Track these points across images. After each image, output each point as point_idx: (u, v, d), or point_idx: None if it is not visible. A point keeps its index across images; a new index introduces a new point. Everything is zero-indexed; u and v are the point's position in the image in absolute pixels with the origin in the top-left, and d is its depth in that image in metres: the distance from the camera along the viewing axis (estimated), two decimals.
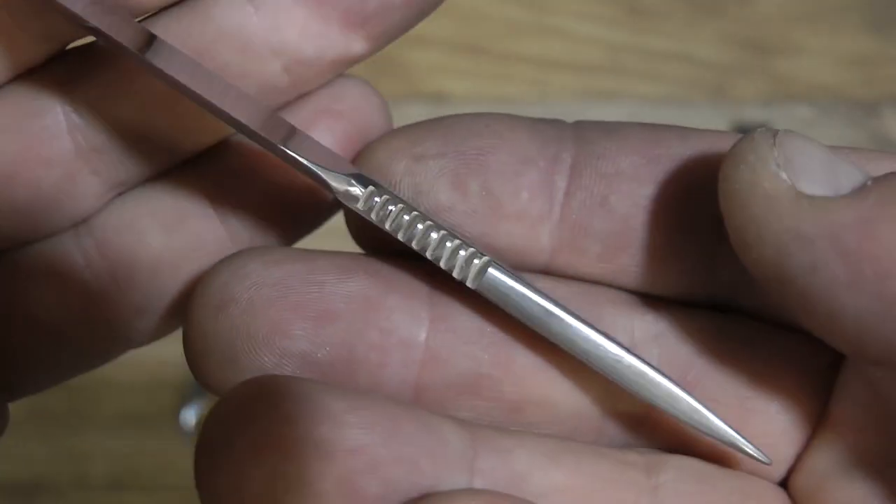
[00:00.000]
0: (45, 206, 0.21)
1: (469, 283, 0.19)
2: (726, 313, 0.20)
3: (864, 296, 0.16)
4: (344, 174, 0.20)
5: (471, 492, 0.18)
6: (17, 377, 0.22)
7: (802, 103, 0.49)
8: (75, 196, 0.21)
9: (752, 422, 0.20)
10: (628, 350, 0.19)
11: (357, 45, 0.20)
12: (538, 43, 0.50)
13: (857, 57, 0.50)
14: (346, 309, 0.19)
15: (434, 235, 0.19)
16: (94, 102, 0.20)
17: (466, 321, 0.20)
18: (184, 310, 0.20)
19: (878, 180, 0.17)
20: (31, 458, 0.43)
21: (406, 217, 0.19)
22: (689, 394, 0.19)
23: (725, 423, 0.19)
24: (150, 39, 0.19)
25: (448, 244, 0.19)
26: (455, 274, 0.19)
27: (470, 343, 0.20)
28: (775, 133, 0.17)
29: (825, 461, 0.19)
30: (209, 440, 0.18)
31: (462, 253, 0.19)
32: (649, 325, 0.20)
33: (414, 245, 0.19)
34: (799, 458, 0.20)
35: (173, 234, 0.21)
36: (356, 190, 0.20)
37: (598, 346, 0.19)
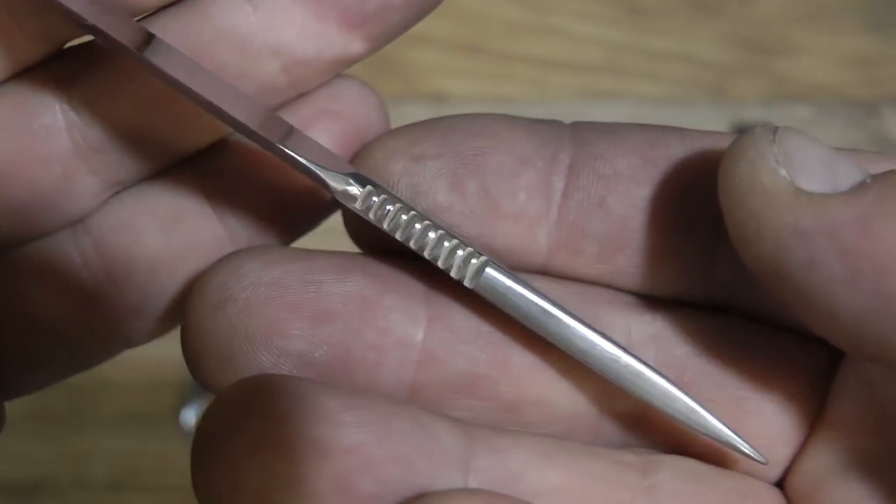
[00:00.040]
0: (42, 204, 0.21)
1: (467, 283, 0.19)
2: (723, 314, 0.20)
3: (861, 293, 0.16)
4: (342, 174, 0.20)
5: (466, 491, 0.18)
6: (15, 376, 0.22)
7: (802, 103, 0.49)
8: (73, 195, 0.21)
9: (748, 422, 0.20)
10: (625, 350, 0.19)
11: (356, 45, 0.20)
12: (538, 43, 0.50)
13: (857, 57, 0.50)
14: (344, 309, 0.19)
15: (432, 235, 0.19)
16: (92, 101, 0.20)
17: (463, 321, 0.20)
18: (182, 309, 0.20)
19: (877, 178, 0.17)
20: (31, 458, 0.43)
21: (404, 216, 0.19)
22: (686, 393, 0.19)
23: (722, 422, 0.19)
24: (149, 38, 0.19)
25: (446, 244, 0.19)
26: (453, 273, 0.19)
27: (467, 343, 0.20)
28: (775, 129, 0.17)
29: (821, 462, 0.19)
30: (205, 438, 0.18)
31: (460, 252, 0.19)
32: (646, 326, 0.20)
33: (412, 244, 0.19)
34: (795, 459, 0.20)
35: (171, 233, 0.21)
36: (354, 189, 0.20)
37: (595, 345, 0.19)
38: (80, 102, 0.20)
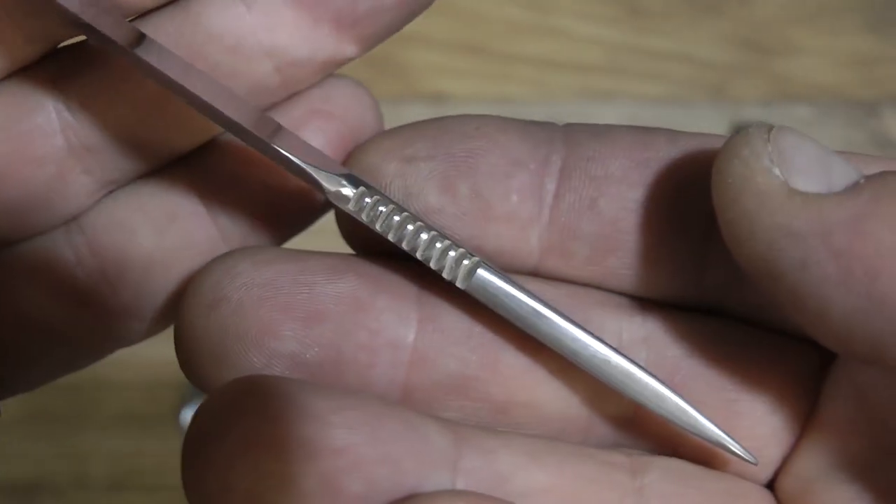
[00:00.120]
0: (36, 203, 0.21)
1: (459, 284, 0.19)
2: (714, 316, 0.20)
3: (853, 294, 0.16)
4: (335, 174, 0.20)
5: (453, 493, 0.18)
6: (9, 375, 0.22)
7: (802, 103, 0.49)
8: (67, 194, 0.21)
9: (739, 424, 0.20)
10: (617, 350, 0.19)
11: (348, 46, 0.20)
12: (538, 43, 0.50)
13: (857, 57, 0.50)
14: (335, 310, 0.19)
15: (424, 236, 0.19)
16: (86, 101, 0.20)
17: (455, 322, 0.20)
18: (176, 308, 0.20)
19: (871, 178, 0.17)
20: (31, 458, 0.43)
21: (396, 218, 0.19)
22: (678, 394, 0.19)
23: (713, 423, 0.19)
24: (142, 39, 0.19)
25: (438, 245, 0.19)
26: (445, 274, 0.19)
27: (458, 344, 0.20)
28: (770, 128, 0.17)
29: (812, 464, 0.19)
30: (196, 438, 0.18)
31: (452, 253, 0.19)
32: (637, 328, 0.20)
33: (404, 245, 0.19)
34: (786, 461, 0.20)
35: (164, 232, 0.21)
36: (347, 190, 0.20)
37: (586, 346, 0.19)
38: (75, 102, 0.20)
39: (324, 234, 0.22)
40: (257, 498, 0.17)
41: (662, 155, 0.20)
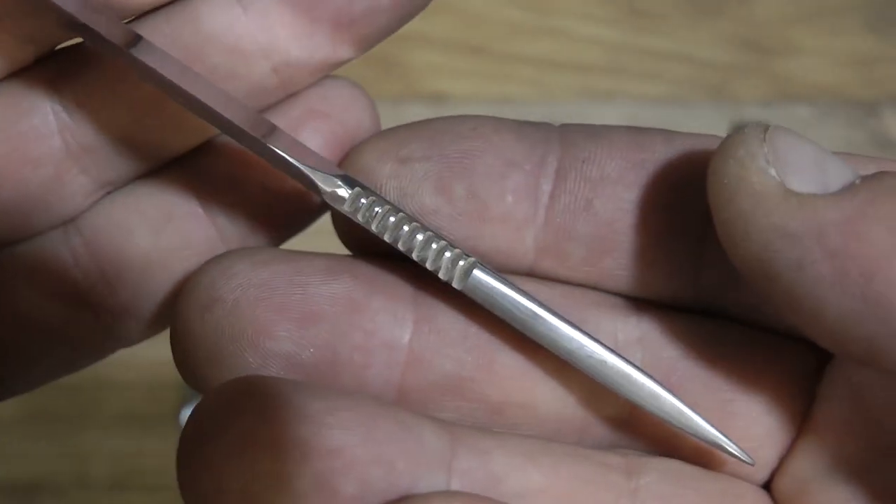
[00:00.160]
0: (33, 205, 0.21)
1: (455, 284, 0.19)
2: (710, 317, 0.20)
3: (848, 295, 0.16)
4: (331, 176, 0.20)
5: (447, 494, 0.18)
6: (7, 375, 0.22)
7: (802, 103, 0.49)
8: (64, 195, 0.21)
9: (735, 425, 0.20)
10: (613, 351, 0.19)
11: (344, 47, 0.20)
12: (538, 43, 0.50)
13: (857, 57, 0.50)
14: (331, 310, 0.19)
15: (420, 237, 0.19)
16: (83, 102, 0.20)
17: (450, 323, 0.20)
18: (172, 309, 0.20)
19: (866, 179, 0.17)
20: (31, 458, 0.43)
21: (392, 219, 0.19)
22: (673, 394, 0.19)
23: (709, 423, 0.19)
24: (138, 40, 0.19)
25: (434, 245, 0.19)
26: (441, 275, 0.19)
27: (454, 345, 0.20)
28: (766, 128, 0.17)
29: (808, 464, 0.19)
30: (192, 438, 0.18)
31: (448, 254, 0.19)
32: (633, 328, 0.20)
33: (400, 246, 0.19)
34: (782, 461, 0.20)
35: (162, 232, 0.21)
36: (343, 191, 0.20)
37: (582, 346, 0.19)
38: (72, 103, 0.20)
39: (321, 235, 0.22)
40: (252, 498, 0.17)
41: (658, 156, 0.20)
